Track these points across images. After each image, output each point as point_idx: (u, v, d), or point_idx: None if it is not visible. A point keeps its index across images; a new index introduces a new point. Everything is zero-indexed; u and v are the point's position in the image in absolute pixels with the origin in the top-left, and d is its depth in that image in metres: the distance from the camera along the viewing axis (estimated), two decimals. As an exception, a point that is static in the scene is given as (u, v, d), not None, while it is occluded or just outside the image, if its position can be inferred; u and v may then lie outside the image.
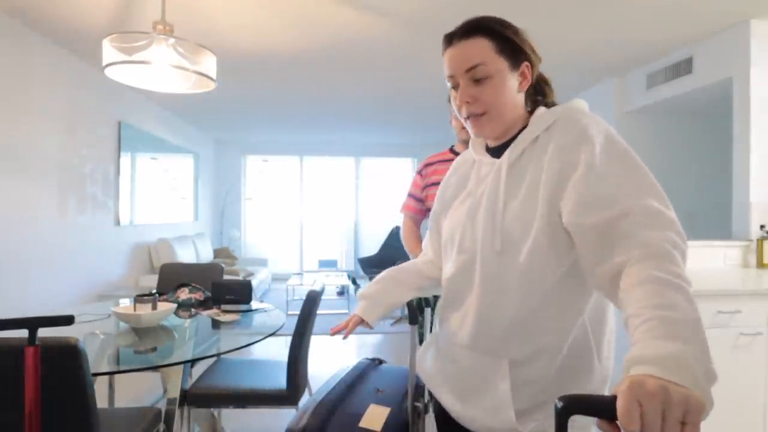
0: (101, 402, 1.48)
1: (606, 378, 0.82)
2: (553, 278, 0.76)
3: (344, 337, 1.02)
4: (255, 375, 1.97)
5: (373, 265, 6.26)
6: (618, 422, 0.44)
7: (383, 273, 1.08)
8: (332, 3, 2.60)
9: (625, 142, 0.74)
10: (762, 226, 2.63)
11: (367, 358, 1.67)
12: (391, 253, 6.33)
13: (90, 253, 3.75)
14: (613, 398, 0.45)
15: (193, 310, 2.16)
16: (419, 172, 1.99)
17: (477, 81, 0.80)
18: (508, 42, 0.80)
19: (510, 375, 0.80)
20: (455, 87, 0.84)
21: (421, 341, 1.74)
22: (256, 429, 2.37)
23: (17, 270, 2.92)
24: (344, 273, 6.30)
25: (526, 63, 0.82)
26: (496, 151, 0.87)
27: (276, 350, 3.69)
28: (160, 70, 2.03)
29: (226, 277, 3.00)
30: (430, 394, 1.40)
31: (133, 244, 4.54)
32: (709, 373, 0.48)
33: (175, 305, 1.95)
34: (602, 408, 0.46)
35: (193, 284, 2.36)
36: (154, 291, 2.31)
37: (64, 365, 1.15)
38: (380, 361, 1.68)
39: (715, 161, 3.97)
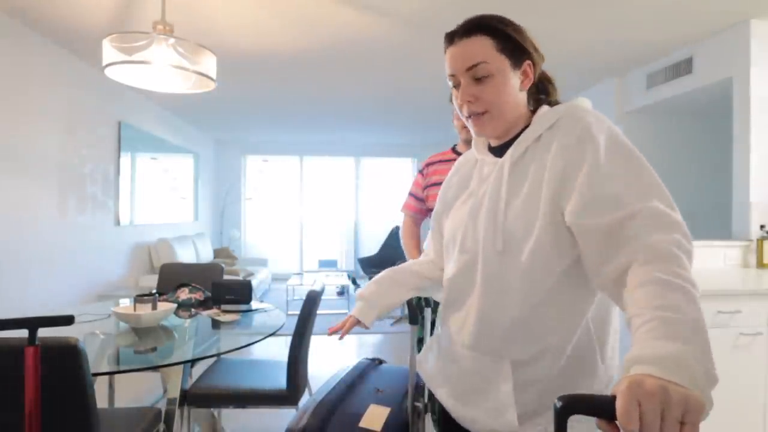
0: (101, 402, 1.48)
1: (610, 379, 0.81)
2: (555, 278, 0.75)
3: (340, 338, 1.02)
4: (255, 375, 1.97)
5: (373, 265, 6.26)
6: (617, 422, 0.44)
7: (382, 273, 1.08)
8: (332, 3, 2.60)
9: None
10: (762, 226, 2.63)
11: (367, 358, 1.66)
12: (391, 253, 6.32)
13: (90, 253, 3.75)
14: (613, 398, 0.45)
15: (193, 310, 2.16)
16: (421, 172, 1.99)
17: (478, 80, 0.79)
18: (510, 40, 0.79)
19: (512, 376, 0.79)
20: (456, 86, 0.83)
21: (420, 343, 1.74)
22: (256, 429, 2.37)
23: (17, 270, 2.92)
24: (344, 273, 6.31)
25: (528, 61, 0.81)
26: (499, 151, 0.87)
27: (276, 350, 3.69)
28: (160, 70, 2.03)
29: (226, 277, 3.00)
30: (431, 394, 1.40)
31: (133, 244, 4.53)
32: (710, 374, 0.48)
33: (175, 305, 1.95)
34: (601, 408, 0.46)
35: (193, 284, 2.36)
36: (154, 291, 2.31)
37: (64, 365, 1.15)
38: (380, 361, 1.67)
39: (715, 161, 3.97)
